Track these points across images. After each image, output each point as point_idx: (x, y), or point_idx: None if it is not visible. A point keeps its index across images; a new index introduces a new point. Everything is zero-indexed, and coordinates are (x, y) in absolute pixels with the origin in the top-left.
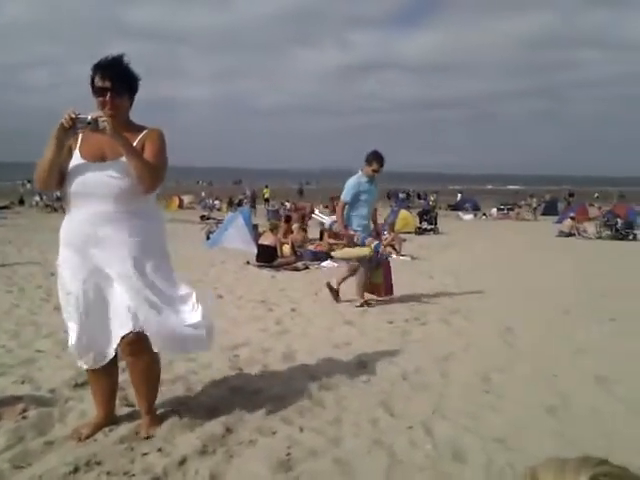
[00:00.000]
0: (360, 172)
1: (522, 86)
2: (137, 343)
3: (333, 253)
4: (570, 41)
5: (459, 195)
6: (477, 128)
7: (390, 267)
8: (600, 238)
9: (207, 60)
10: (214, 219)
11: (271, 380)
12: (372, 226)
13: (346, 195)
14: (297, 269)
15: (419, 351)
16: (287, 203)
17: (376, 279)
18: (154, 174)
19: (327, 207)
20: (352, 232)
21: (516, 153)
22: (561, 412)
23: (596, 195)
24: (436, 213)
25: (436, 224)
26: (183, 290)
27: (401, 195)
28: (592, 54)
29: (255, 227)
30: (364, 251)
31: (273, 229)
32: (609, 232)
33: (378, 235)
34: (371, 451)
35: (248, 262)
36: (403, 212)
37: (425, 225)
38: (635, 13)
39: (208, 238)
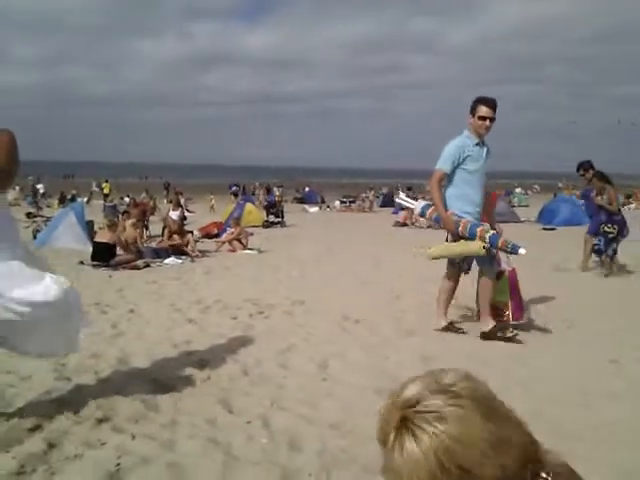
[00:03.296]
0: (465, 131)
1: (357, 85)
2: None
3: (429, 251)
4: (400, 46)
5: (307, 188)
6: (318, 123)
7: (516, 277)
8: (430, 227)
9: (32, 43)
10: (42, 217)
11: (102, 387)
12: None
13: (444, 162)
14: (137, 267)
15: (261, 345)
16: (126, 198)
17: (500, 296)
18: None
19: (171, 202)
20: (456, 217)
21: (356, 148)
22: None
23: (427, 188)
24: (282, 206)
25: (283, 217)
26: (36, 293)
27: (234, 188)
28: (419, 59)
29: (89, 224)
30: (473, 246)
31: (111, 226)
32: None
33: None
34: (206, 451)
35: (82, 262)
36: (249, 206)
37: (272, 218)
38: (456, 22)
39: (35, 237)
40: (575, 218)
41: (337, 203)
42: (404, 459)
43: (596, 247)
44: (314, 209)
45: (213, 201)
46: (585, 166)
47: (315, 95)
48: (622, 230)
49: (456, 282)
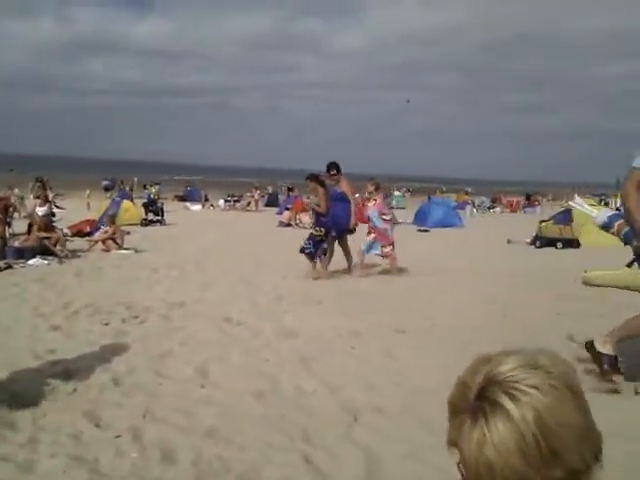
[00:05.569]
0: None
1: (250, 82)
2: None
3: (589, 274)
4: (291, 45)
5: (188, 187)
6: (209, 119)
7: None
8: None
9: None
10: None
11: None
12: None
13: None
14: None
15: (134, 351)
16: None
17: None
18: None
19: (38, 197)
20: None
21: (245, 145)
22: (269, 395)
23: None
24: (162, 204)
25: (163, 215)
26: None
27: (105, 182)
28: (308, 59)
29: None
30: None
31: None
32: None
33: None
34: (68, 470)
35: None
36: (126, 203)
37: (151, 216)
38: (343, 25)
39: None
40: (447, 220)
41: (221, 202)
42: (497, 422)
43: (307, 250)
44: (197, 207)
45: (89, 198)
46: (331, 167)
47: (207, 89)
48: (330, 231)
49: None
